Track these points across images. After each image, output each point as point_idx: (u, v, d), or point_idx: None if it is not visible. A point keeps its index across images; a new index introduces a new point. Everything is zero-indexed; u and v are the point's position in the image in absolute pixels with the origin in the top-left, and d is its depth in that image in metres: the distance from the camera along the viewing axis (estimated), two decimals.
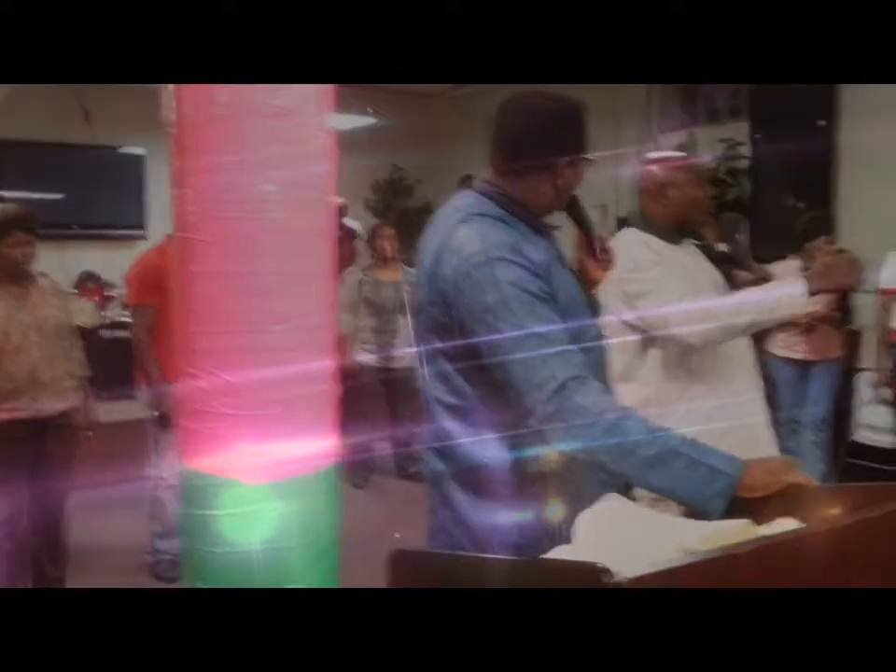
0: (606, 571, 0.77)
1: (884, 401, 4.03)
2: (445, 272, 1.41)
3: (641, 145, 6.16)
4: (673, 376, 2.00)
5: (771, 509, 1.13)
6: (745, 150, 5.27)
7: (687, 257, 2.14)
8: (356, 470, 4.64)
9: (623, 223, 5.99)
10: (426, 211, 6.57)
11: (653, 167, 2.11)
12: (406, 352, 4.30)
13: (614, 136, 6.30)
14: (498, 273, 1.35)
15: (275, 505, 1.54)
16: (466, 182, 2.21)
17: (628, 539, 1.04)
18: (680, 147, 5.71)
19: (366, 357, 4.46)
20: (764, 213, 5.23)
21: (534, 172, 1.47)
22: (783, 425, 4.27)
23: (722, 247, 3.68)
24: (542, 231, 1.52)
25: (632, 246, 2.06)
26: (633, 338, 2.03)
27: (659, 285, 1.95)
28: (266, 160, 1.52)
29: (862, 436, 4.48)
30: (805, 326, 3.97)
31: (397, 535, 2.66)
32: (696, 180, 2.09)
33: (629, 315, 2.00)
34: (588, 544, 1.10)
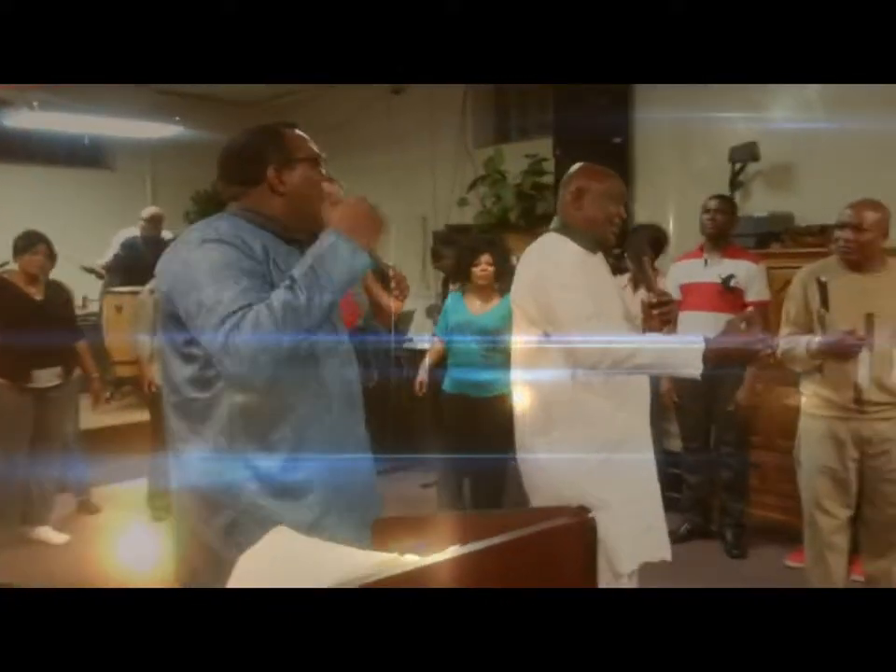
0: None
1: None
2: (169, 266, 1.49)
3: (456, 159, 6.33)
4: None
5: (421, 539, 1.15)
6: (548, 166, 5.47)
7: (601, 267, 2.20)
8: None
9: (436, 237, 6.15)
10: None
11: (574, 174, 2.17)
12: None
13: (431, 151, 6.42)
14: (207, 251, 1.43)
15: None
16: None
17: (290, 574, 1.04)
18: (489, 162, 5.90)
19: None
20: None
21: (248, 186, 1.56)
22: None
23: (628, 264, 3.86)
24: (294, 241, 1.58)
25: (554, 250, 2.11)
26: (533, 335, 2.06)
27: (575, 294, 1.99)
28: None
29: None
30: None
31: None
32: (612, 194, 2.14)
33: (536, 315, 2.06)
34: (246, 582, 1.10)
